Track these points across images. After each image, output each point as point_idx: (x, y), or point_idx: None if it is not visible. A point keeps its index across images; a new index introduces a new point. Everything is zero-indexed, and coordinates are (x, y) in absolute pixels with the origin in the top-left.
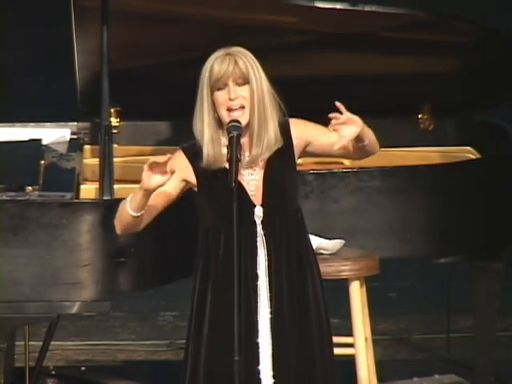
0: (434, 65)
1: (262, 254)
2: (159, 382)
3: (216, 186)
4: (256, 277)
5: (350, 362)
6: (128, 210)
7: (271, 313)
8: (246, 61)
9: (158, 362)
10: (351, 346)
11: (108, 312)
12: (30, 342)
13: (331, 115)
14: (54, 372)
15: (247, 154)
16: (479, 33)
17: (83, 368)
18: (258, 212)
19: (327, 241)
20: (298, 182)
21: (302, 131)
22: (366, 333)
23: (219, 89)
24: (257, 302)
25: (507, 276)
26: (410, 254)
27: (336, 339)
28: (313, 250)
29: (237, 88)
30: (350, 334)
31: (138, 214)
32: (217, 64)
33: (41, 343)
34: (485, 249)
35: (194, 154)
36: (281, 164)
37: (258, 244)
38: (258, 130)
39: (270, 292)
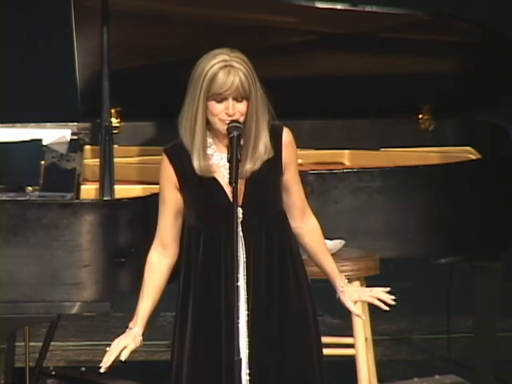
0: (434, 65)
1: (241, 255)
2: (159, 383)
3: (198, 186)
4: (236, 279)
5: (350, 362)
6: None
7: (248, 315)
8: (247, 73)
9: (159, 363)
10: (351, 346)
11: (108, 312)
12: (31, 343)
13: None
14: (54, 372)
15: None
16: (479, 33)
17: (83, 368)
18: (238, 213)
19: (327, 241)
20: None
21: (288, 147)
22: (366, 333)
23: (217, 100)
24: (237, 303)
25: (507, 276)
26: (410, 254)
27: (336, 340)
28: (298, 251)
29: (235, 104)
30: (350, 334)
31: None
32: (220, 76)
33: (41, 343)
34: (485, 249)
35: (175, 155)
36: (266, 166)
37: (238, 246)
38: (253, 144)
39: (247, 293)
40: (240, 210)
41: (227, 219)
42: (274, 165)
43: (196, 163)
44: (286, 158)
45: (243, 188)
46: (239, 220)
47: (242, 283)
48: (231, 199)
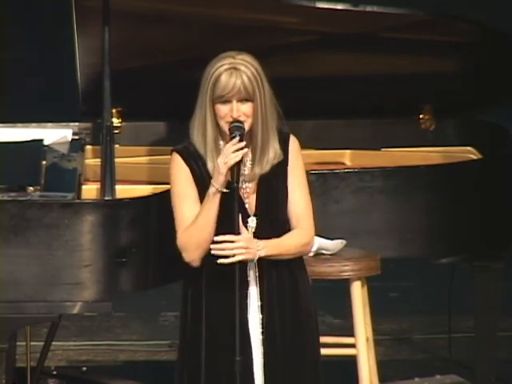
0: (434, 65)
1: (252, 263)
2: (160, 383)
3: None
4: (247, 284)
5: (351, 362)
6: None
7: (262, 319)
8: (252, 76)
9: (160, 363)
10: (352, 346)
11: (109, 312)
12: (32, 343)
13: None
14: (55, 372)
15: (246, 169)
16: (479, 33)
17: (84, 368)
18: (252, 223)
19: (328, 241)
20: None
21: (293, 156)
22: (367, 333)
23: (222, 102)
24: (247, 309)
25: (507, 276)
26: (411, 254)
27: (337, 339)
28: (302, 258)
29: (240, 105)
30: (351, 334)
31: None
32: (222, 78)
33: (42, 343)
34: (485, 249)
35: (189, 156)
36: (275, 174)
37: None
38: (261, 147)
39: (260, 300)
40: (254, 220)
41: (239, 228)
42: (282, 171)
43: (210, 166)
44: (290, 166)
45: (256, 197)
46: (252, 230)
47: (254, 290)
48: (244, 202)
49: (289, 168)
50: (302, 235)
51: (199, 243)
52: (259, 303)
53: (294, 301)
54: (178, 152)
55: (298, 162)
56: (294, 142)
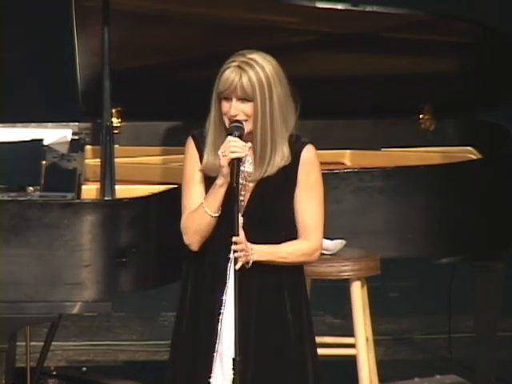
0: (434, 65)
1: (233, 261)
2: (160, 383)
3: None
4: (225, 284)
5: (351, 362)
6: (207, 212)
7: (235, 316)
8: (255, 77)
9: (160, 363)
10: (352, 346)
11: (109, 312)
12: (32, 343)
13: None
14: (55, 372)
15: (246, 168)
16: (479, 33)
17: (84, 368)
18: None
19: (328, 241)
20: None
21: (304, 166)
22: (367, 333)
23: (224, 98)
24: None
25: (507, 276)
26: (411, 254)
27: (337, 339)
28: (301, 268)
29: (239, 104)
30: (351, 334)
31: (217, 214)
32: (225, 74)
33: (42, 343)
34: (485, 249)
35: (202, 142)
36: (278, 179)
37: (231, 252)
38: (260, 152)
39: (238, 299)
40: (241, 219)
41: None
42: (287, 178)
43: (205, 158)
44: (300, 176)
45: (249, 197)
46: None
47: (231, 289)
48: (239, 200)
49: (298, 178)
50: (303, 245)
51: (197, 230)
52: (234, 308)
53: (278, 306)
54: (193, 136)
55: (310, 172)
56: (308, 152)
